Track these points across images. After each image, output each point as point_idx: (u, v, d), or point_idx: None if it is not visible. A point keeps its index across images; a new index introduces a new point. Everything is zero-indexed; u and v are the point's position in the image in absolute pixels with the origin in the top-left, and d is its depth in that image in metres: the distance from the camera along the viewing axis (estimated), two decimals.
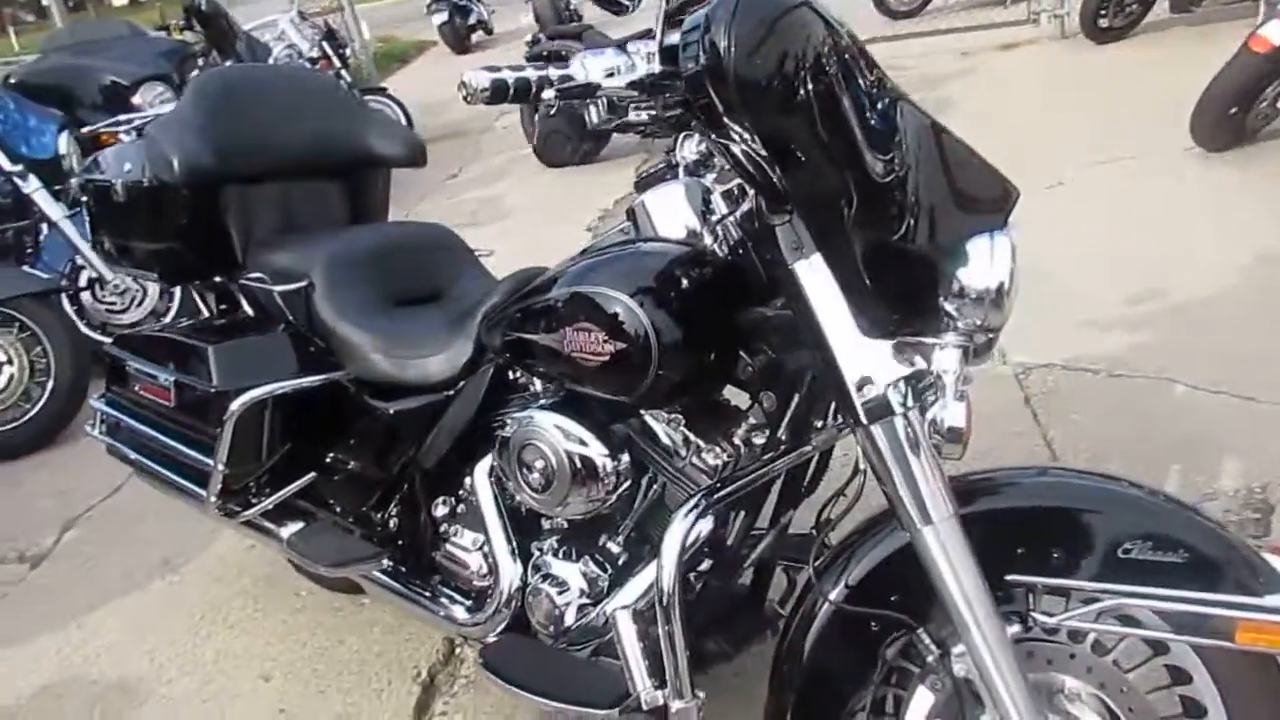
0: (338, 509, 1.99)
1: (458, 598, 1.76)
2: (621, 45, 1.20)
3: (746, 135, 1.08)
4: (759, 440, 1.44)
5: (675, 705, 1.23)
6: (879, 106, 1.13)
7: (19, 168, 3.89)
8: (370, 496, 1.92)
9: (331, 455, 1.97)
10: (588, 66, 1.16)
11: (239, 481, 1.93)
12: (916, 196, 1.13)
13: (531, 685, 1.48)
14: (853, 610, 1.26)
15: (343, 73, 7.26)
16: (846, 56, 1.11)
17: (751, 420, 1.45)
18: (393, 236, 2.09)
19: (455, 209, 5.75)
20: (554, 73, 1.16)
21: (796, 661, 1.31)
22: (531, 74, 1.15)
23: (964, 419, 1.12)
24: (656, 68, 1.18)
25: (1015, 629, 1.20)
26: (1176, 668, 1.23)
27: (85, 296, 4.06)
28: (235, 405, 1.78)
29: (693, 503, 1.27)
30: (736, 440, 1.45)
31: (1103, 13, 6.77)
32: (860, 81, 1.12)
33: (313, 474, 1.98)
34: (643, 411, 1.51)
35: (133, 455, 2.09)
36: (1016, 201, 1.24)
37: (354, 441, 1.92)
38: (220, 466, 1.84)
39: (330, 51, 7.32)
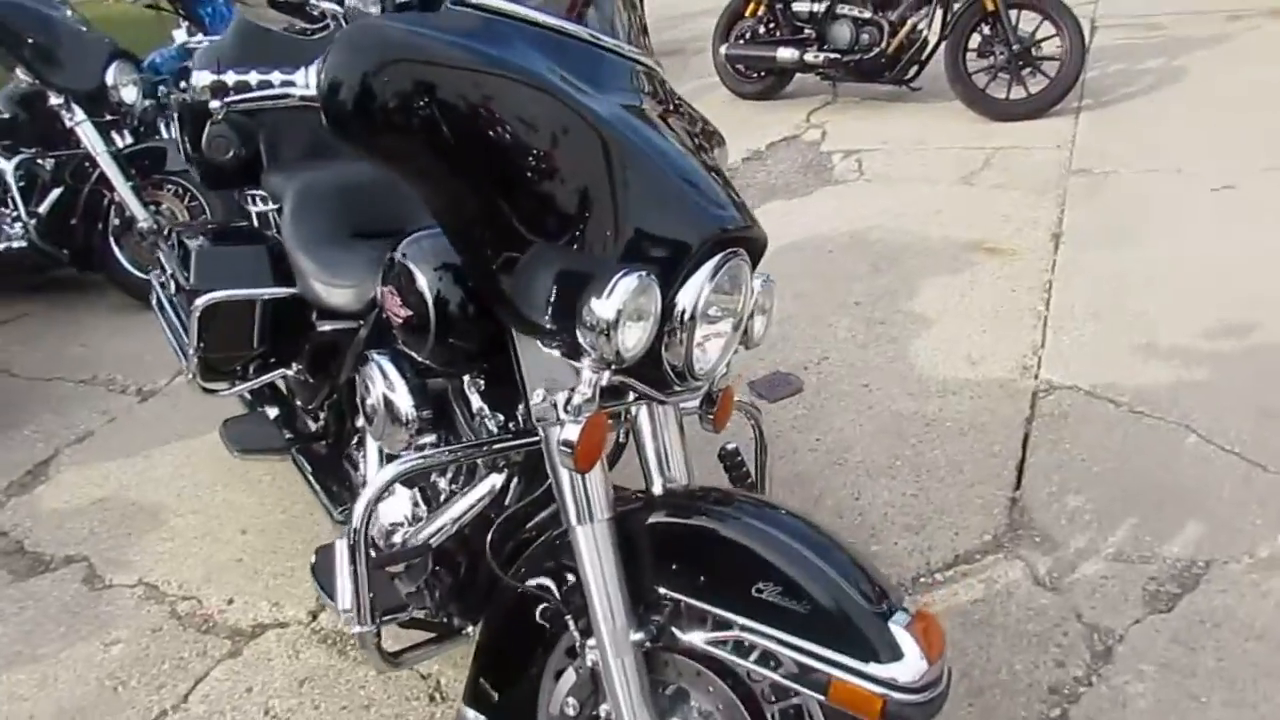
0: (299, 404, 2.30)
1: (343, 497, 2.03)
2: None
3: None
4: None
5: (354, 628, 1.44)
6: (536, 140, 1.19)
7: None
8: (316, 398, 2.21)
9: (295, 360, 2.27)
10: (309, 75, 1.29)
11: (220, 365, 2.27)
12: (574, 228, 1.20)
13: (325, 585, 1.73)
14: (519, 590, 1.39)
15: None
16: (484, 96, 1.16)
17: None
18: (373, 173, 2.30)
19: None
20: (278, 77, 1.30)
21: (488, 628, 1.48)
22: (254, 77, 1.30)
23: (576, 436, 1.20)
24: None
25: (639, 636, 1.30)
26: (799, 708, 1.28)
27: None
28: (200, 301, 2.11)
29: (404, 458, 1.45)
30: (518, 412, 1.59)
31: None
32: (506, 117, 1.17)
33: (283, 371, 2.30)
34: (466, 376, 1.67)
35: (163, 325, 2.50)
36: (712, 243, 1.24)
37: (307, 350, 2.21)
38: (191, 350, 2.19)
39: None
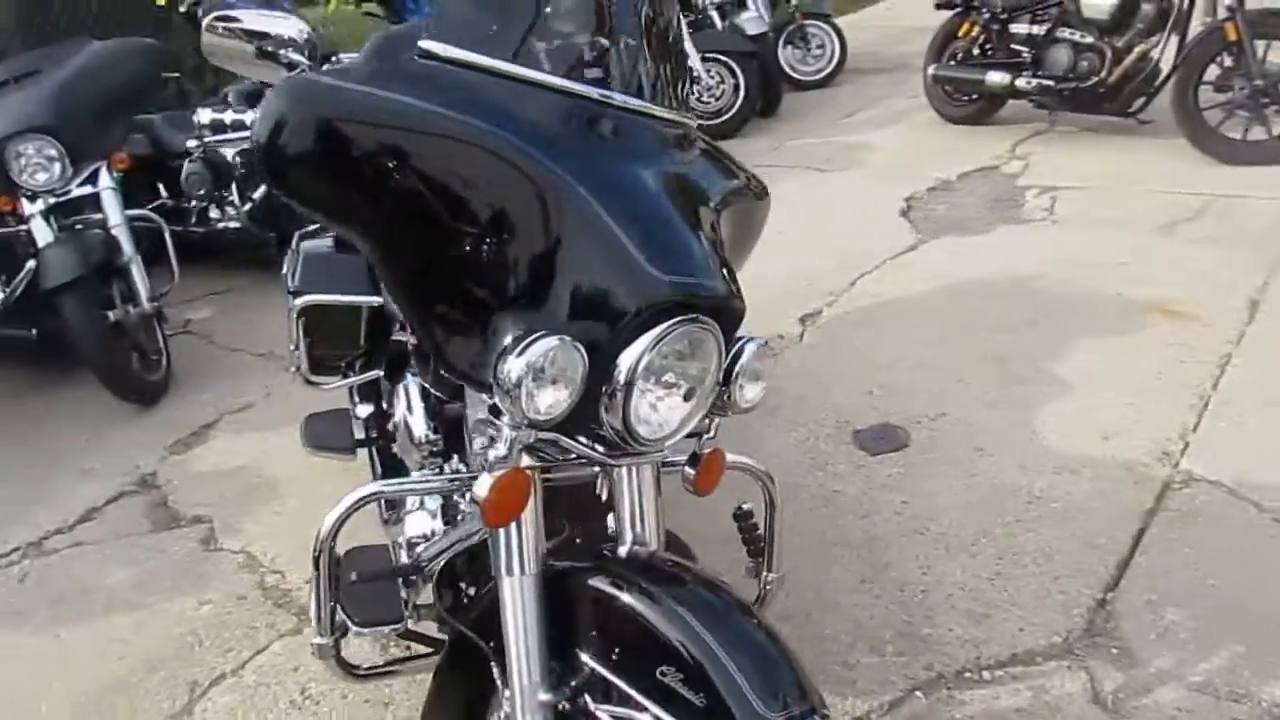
0: (384, 405, 2.44)
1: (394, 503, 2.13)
2: None
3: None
4: None
5: (315, 640, 1.51)
6: (478, 201, 1.20)
7: None
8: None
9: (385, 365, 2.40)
10: None
11: (326, 360, 2.44)
12: (512, 286, 1.20)
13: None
14: (457, 630, 1.41)
15: None
16: (421, 155, 1.17)
17: None
18: None
19: (817, 151, 5.78)
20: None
21: (446, 656, 1.51)
22: (248, 116, 1.38)
23: (485, 491, 1.19)
24: None
25: (549, 696, 1.28)
26: None
27: None
28: (298, 303, 2.27)
29: (370, 484, 1.50)
30: None
31: None
32: (447, 177, 1.19)
33: (378, 373, 2.44)
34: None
35: None
36: (662, 308, 1.20)
37: (386, 357, 2.33)
38: (292, 347, 2.36)
39: None
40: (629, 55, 1.42)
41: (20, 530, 2.82)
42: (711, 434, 1.42)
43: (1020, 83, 5.25)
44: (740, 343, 1.33)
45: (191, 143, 1.18)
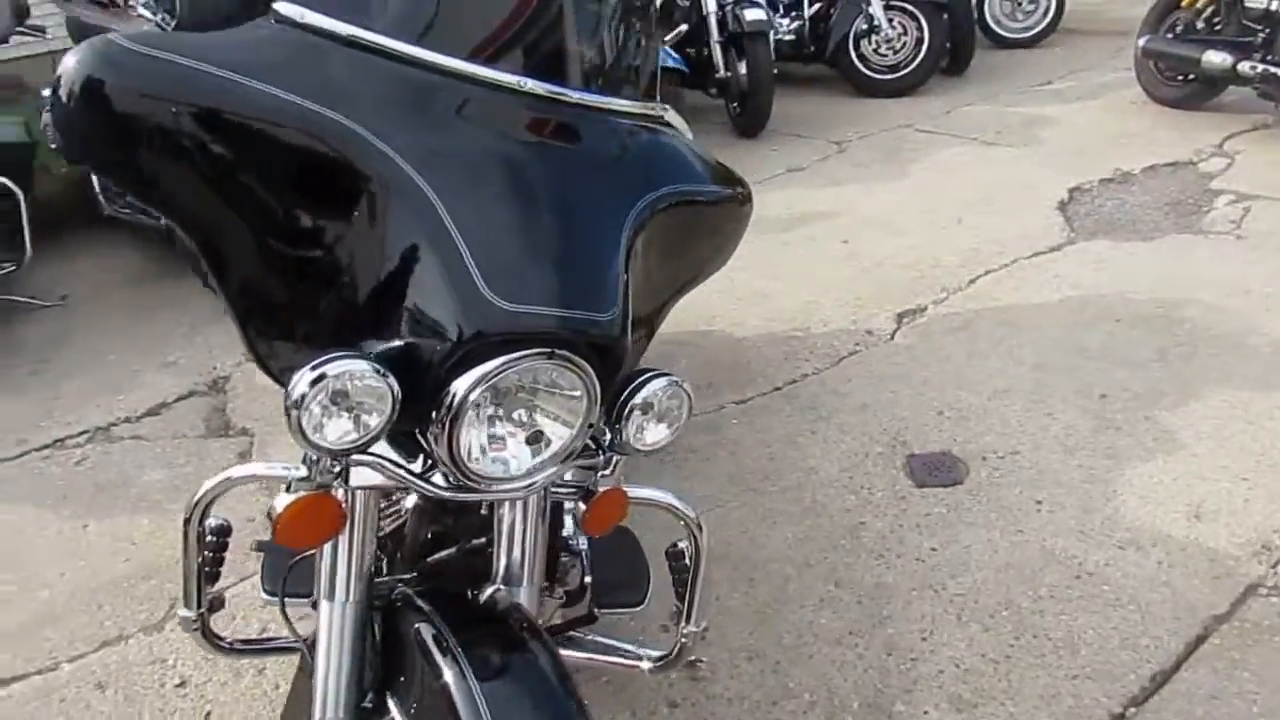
0: None
1: None
2: None
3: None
4: None
5: (180, 611, 1.46)
6: (299, 197, 1.06)
7: None
8: None
9: None
10: None
11: None
12: (330, 296, 1.08)
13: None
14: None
15: None
16: (238, 136, 1.04)
17: None
18: None
19: (992, 120, 5.24)
20: None
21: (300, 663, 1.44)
22: None
23: (279, 508, 1.09)
24: None
25: None
26: None
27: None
28: None
29: (242, 465, 1.42)
30: None
31: None
32: (263, 166, 1.06)
33: None
34: None
35: None
36: (505, 339, 1.04)
37: None
38: None
39: None
40: (567, 35, 1.23)
41: (95, 415, 2.99)
42: (609, 471, 1.24)
43: (1244, 67, 4.53)
44: (644, 378, 1.15)
45: (46, 91, 1.07)
